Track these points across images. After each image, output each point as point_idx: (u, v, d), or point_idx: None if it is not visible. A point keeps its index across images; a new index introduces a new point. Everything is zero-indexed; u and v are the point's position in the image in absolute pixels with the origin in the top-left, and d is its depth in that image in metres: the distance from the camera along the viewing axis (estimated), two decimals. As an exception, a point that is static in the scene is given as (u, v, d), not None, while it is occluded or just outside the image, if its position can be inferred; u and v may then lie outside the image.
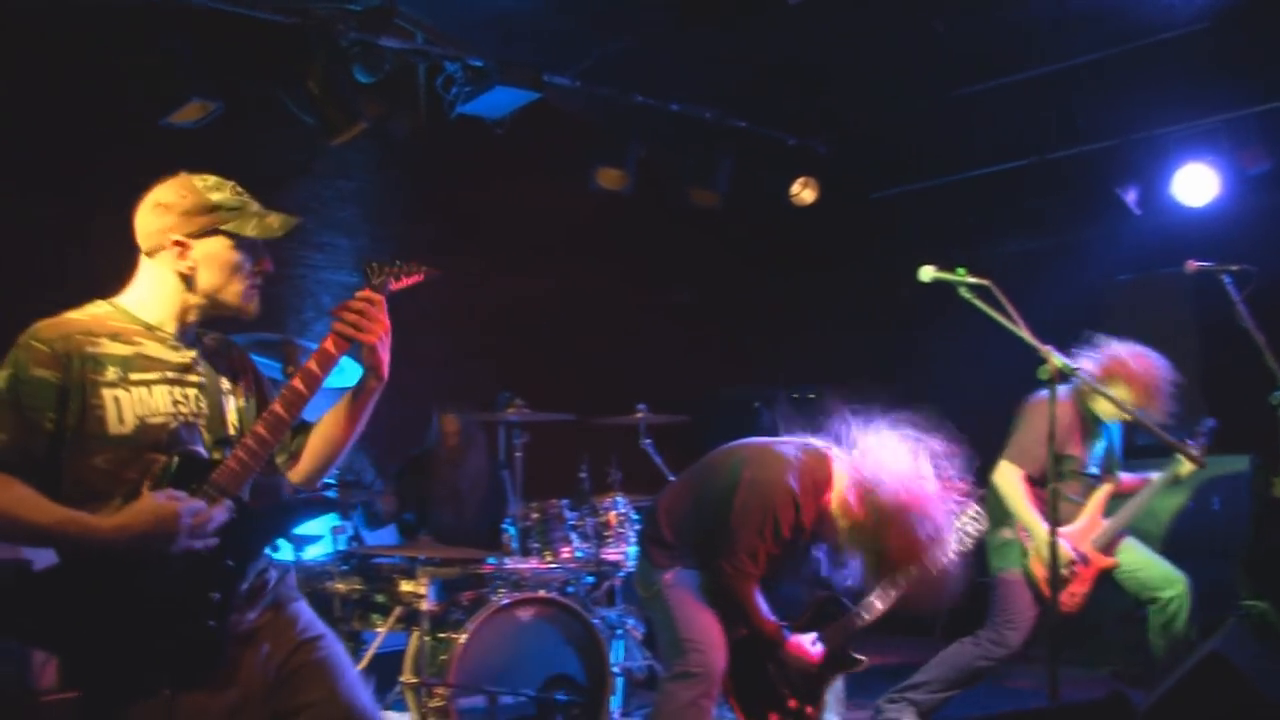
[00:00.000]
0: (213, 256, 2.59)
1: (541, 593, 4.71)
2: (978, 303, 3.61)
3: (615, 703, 4.87)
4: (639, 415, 5.75)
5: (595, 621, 4.74)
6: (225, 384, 2.69)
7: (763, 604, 3.86)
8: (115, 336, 2.53)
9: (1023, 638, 4.63)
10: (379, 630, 4.65)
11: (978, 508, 4.25)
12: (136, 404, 2.48)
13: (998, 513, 4.68)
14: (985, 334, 3.83)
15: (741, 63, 6.61)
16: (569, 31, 6.21)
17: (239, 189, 2.67)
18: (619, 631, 5.16)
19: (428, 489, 6.14)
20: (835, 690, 4.27)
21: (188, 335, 2.65)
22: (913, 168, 8.15)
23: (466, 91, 6.11)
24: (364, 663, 4.50)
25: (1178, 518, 6.17)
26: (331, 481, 5.13)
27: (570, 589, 5.01)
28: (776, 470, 3.82)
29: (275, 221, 2.64)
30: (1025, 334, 3.60)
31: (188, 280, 2.59)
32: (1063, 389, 4.55)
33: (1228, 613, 4.49)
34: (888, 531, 3.66)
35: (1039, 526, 4.48)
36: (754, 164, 7.52)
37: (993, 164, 7.70)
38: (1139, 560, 4.74)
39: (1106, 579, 4.71)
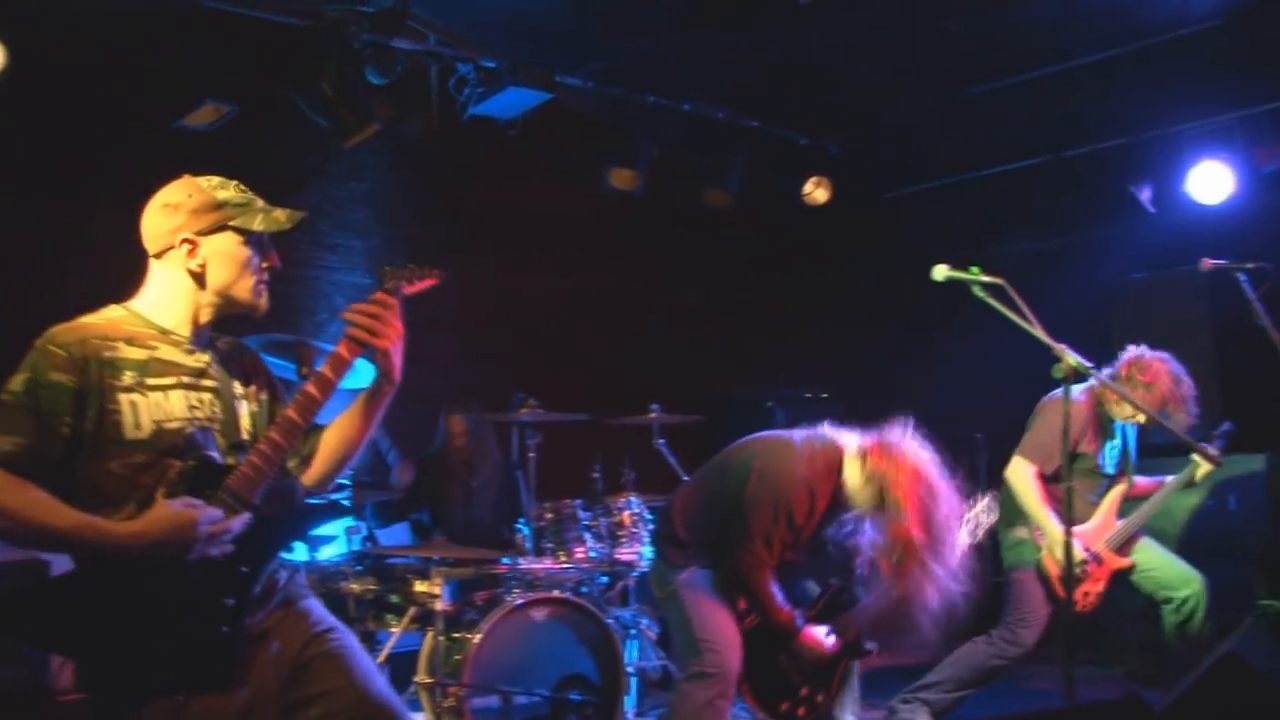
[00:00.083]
0: (222, 253, 2.61)
1: (556, 593, 4.72)
2: (992, 302, 3.59)
3: (629, 703, 4.87)
4: (652, 415, 5.75)
5: (609, 621, 4.75)
6: (238, 388, 2.70)
7: (778, 593, 3.89)
8: (130, 341, 2.53)
9: (1036, 636, 4.62)
10: (393, 630, 4.66)
11: (990, 499, 4.25)
12: (153, 409, 2.49)
13: (1011, 511, 4.68)
14: (998, 334, 3.82)
15: (753, 63, 6.60)
16: (581, 32, 6.22)
17: (243, 187, 2.69)
18: (633, 631, 5.17)
19: (439, 490, 6.15)
20: (850, 690, 4.28)
21: (202, 338, 2.66)
22: (925, 167, 8.13)
23: (479, 92, 6.12)
24: (378, 663, 4.51)
25: (1194, 517, 6.14)
26: (345, 482, 5.15)
27: (584, 589, 5.02)
28: (787, 458, 3.87)
29: (282, 216, 2.67)
30: (1040, 333, 3.59)
31: (198, 278, 2.60)
32: (1080, 389, 4.54)
33: (1244, 613, 4.48)
34: (901, 505, 3.71)
35: (1051, 524, 4.47)
36: (766, 164, 7.51)
37: (1005, 163, 7.68)
38: (1155, 559, 4.72)
39: (1120, 579, 4.69)
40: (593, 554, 5.07)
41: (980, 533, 4.34)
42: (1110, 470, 4.74)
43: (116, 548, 2.33)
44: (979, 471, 6.32)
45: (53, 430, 2.39)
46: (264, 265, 2.68)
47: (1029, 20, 5.98)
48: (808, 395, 7.56)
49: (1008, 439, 4.71)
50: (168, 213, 2.60)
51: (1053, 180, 7.54)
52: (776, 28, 6.05)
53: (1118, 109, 6.85)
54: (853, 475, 3.88)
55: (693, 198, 7.36)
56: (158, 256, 2.63)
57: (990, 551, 4.77)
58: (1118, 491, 4.74)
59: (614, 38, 6.24)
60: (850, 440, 3.94)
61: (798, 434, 4.01)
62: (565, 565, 4.99)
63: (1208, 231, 6.44)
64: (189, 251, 2.59)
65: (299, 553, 4.86)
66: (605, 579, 5.24)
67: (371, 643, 4.75)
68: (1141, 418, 4.64)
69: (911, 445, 3.83)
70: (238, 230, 2.62)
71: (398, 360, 2.69)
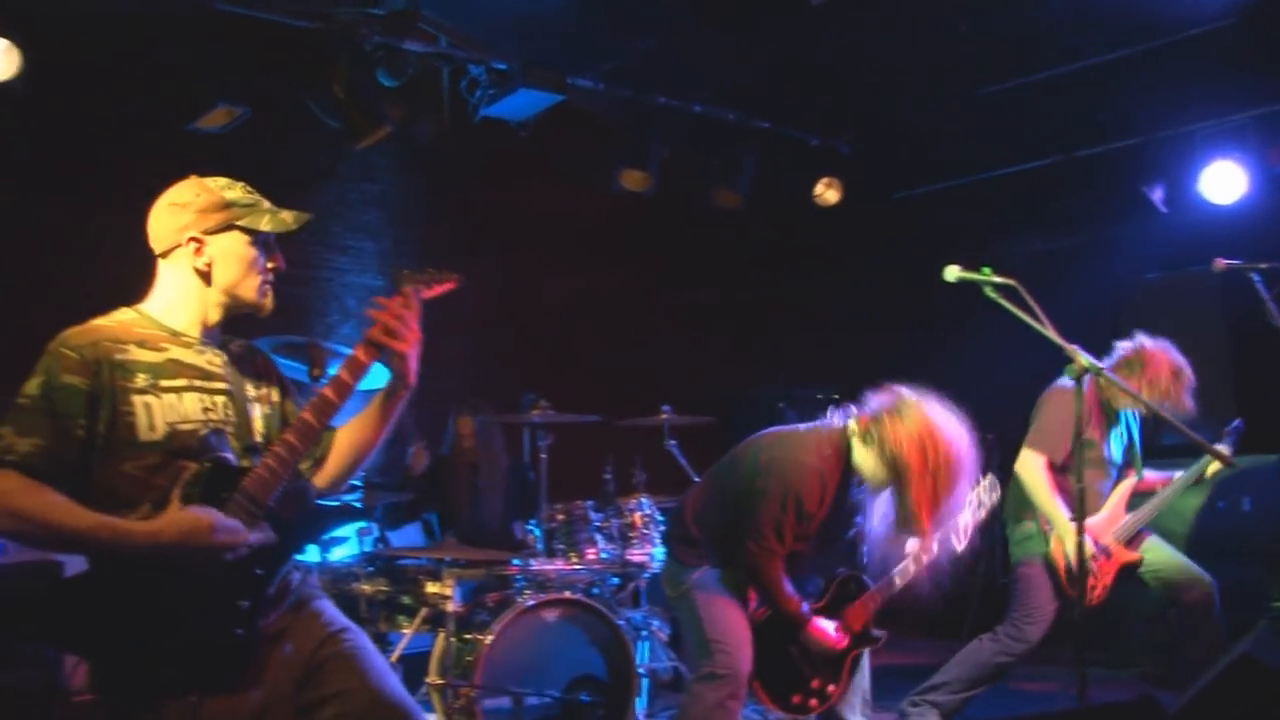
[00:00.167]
0: (229, 252, 2.62)
1: (567, 594, 4.72)
2: (1004, 302, 3.58)
3: (640, 704, 4.87)
4: (664, 416, 5.74)
5: (620, 623, 4.74)
6: (250, 390, 2.71)
7: (788, 584, 3.91)
8: (142, 343, 2.55)
9: (1042, 632, 4.60)
10: (405, 632, 4.67)
11: (992, 477, 4.25)
12: (167, 410, 2.50)
13: (1019, 505, 4.66)
14: (1010, 335, 3.81)
15: (764, 63, 6.60)
16: (591, 33, 6.22)
17: (250, 188, 2.70)
18: (644, 633, 5.16)
19: (449, 491, 6.16)
20: (861, 692, 4.28)
21: (212, 339, 2.67)
22: (936, 167, 8.12)
23: (490, 94, 6.14)
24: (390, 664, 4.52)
25: (1204, 517, 6.12)
26: (357, 484, 5.16)
27: (595, 590, 5.02)
28: (795, 448, 3.91)
29: (289, 217, 2.69)
30: (1052, 333, 3.58)
31: (205, 277, 2.62)
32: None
33: (1258, 613, 4.46)
34: (912, 463, 3.73)
35: (1060, 514, 4.45)
36: (776, 164, 7.51)
37: (1017, 163, 7.66)
38: (1163, 560, 4.70)
39: (1132, 578, 4.67)
40: (604, 555, 5.07)
41: (983, 513, 4.32)
42: (1118, 460, 4.72)
43: (133, 547, 2.34)
44: (992, 472, 6.30)
45: (68, 432, 2.40)
46: (269, 266, 2.70)
47: (1040, 20, 5.97)
48: (819, 395, 7.54)
49: (1020, 440, 4.69)
50: (175, 212, 2.62)
51: (1065, 180, 7.52)
52: (787, 28, 6.05)
53: (1130, 109, 6.83)
54: (860, 450, 3.91)
55: (703, 199, 7.37)
56: (164, 256, 2.64)
57: (992, 551, 4.75)
58: (1127, 484, 4.72)
59: (625, 39, 6.25)
60: (855, 411, 3.97)
61: (804, 426, 4.06)
62: (576, 566, 4.99)
63: (1220, 232, 6.41)
64: (196, 250, 2.60)
65: (311, 554, 4.87)
66: (616, 580, 5.23)
67: (383, 644, 4.75)
68: (1141, 406, 4.62)
69: (910, 400, 3.84)
70: (245, 230, 2.64)
71: (415, 364, 2.70)
